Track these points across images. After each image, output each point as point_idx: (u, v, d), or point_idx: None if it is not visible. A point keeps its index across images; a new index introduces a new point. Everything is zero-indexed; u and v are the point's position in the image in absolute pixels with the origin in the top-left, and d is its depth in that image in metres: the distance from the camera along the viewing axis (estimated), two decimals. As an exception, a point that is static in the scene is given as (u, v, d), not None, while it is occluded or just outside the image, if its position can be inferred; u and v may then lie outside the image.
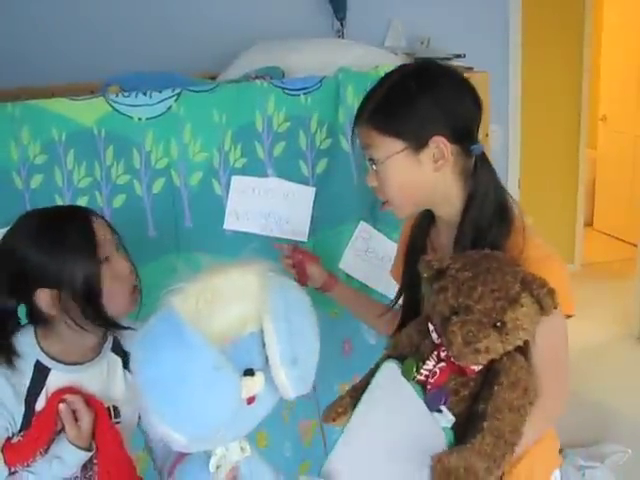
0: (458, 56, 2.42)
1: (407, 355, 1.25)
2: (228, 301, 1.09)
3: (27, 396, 1.35)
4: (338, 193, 2.04)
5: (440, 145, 1.30)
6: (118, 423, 1.43)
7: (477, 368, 1.16)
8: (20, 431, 1.34)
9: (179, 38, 2.67)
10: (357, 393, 1.25)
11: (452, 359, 1.16)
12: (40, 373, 1.38)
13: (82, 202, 1.92)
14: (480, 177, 1.33)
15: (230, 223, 1.96)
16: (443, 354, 1.18)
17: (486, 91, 2.04)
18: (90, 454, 1.35)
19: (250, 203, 1.97)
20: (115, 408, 1.44)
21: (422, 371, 1.20)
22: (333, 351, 2.12)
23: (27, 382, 1.36)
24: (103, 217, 1.49)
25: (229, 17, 2.70)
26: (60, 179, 1.92)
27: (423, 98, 1.31)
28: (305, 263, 1.78)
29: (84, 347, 1.43)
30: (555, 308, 1.14)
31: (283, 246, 1.86)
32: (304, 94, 2.00)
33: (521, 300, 1.12)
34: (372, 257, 2.06)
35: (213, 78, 2.24)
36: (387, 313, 1.64)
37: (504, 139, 3.72)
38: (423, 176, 1.33)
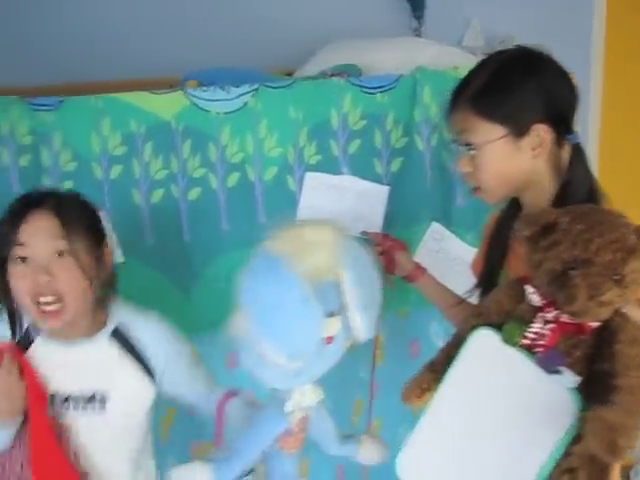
0: (538, 57, 2.37)
1: (495, 323, 1.21)
2: (313, 249, 1.18)
3: None
4: (411, 192, 2.02)
5: (541, 133, 1.30)
6: (102, 413, 1.47)
7: (594, 325, 1.13)
8: None
9: (257, 34, 2.68)
10: (440, 367, 1.24)
11: (566, 317, 1.12)
12: (26, 338, 1.47)
13: (158, 194, 1.97)
14: (576, 166, 1.33)
15: (303, 219, 1.97)
16: (550, 315, 1.14)
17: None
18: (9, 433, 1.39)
19: (323, 200, 1.97)
20: (102, 397, 1.47)
21: (528, 334, 1.15)
22: (401, 353, 2.10)
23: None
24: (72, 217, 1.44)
25: (307, 14, 2.70)
26: (137, 171, 1.97)
27: (527, 84, 1.30)
28: (394, 250, 1.78)
29: (73, 325, 1.46)
30: None
31: (372, 233, 1.87)
32: (381, 92, 1.99)
33: (638, 251, 1.09)
34: (443, 258, 2.03)
35: (290, 74, 2.25)
36: (462, 303, 1.63)
37: (584, 140, 3.61)
38: (520, 164, 1.33)
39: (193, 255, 1.98)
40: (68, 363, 1.47)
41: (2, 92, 2.01)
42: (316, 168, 1.98)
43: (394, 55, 2.19)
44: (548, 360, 1.12)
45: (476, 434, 1.16)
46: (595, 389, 1.09)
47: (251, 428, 1.33)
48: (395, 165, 2.02)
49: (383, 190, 1.99)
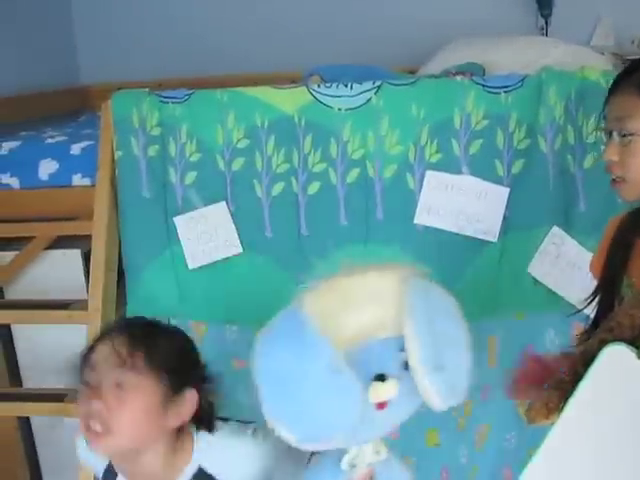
0: (672, 58, 2.27)
1: (629, 339, 1.11)
2: (361, 304, 1.06)
3: None
4: (532, 195, 1.97)
5: None
6: None
7: None
8: None
9: (380, 32, 2.69)
10: (568, 386, 1.14)
11: None
12: (110, 473, 1.42)
13: (278, 187, 2.01)
14: None
15: (421, 218, 1.96)
16: None
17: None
18: None
19: (442, 199, 1.95)
20: None
21: None
22: (513, 357, 2.06)
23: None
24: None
25: (431, 12, 2.69)
26: (260, 163, 2.02)
27: None
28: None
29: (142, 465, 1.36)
30: None
31: None
32: (505, 92, 1.95)
33: None
34: (563, 263, 1.98)
35: (413, 72, 2.25)
36: None
37: None
38: None
39: (310, 249, 2.01)
40: None
41: (134, 85, 2.10)
42: (436, 167, 1.97)
43: (519, 54, 2.16)
44: None
45: (610, 457, 1.08)
46: None
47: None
48: (516, 167, 1.98)
49: (503, 192, 1.96)
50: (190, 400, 1.35)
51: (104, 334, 1.37)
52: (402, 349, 1.05)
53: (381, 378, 1.05)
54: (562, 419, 1.11)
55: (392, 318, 1.06)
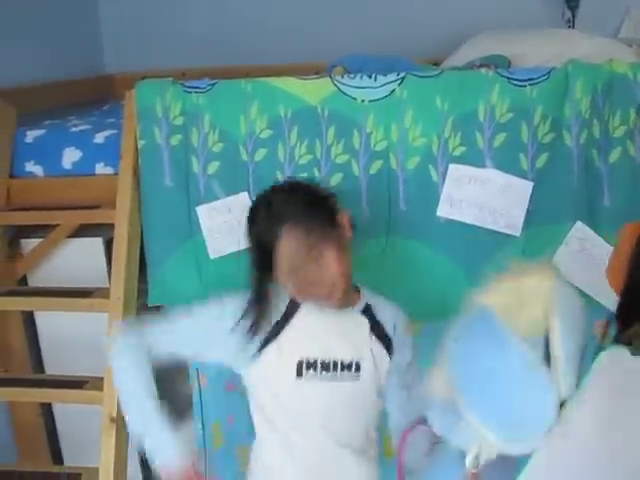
0: (701, 50, 2.24)
1: None
2: (528, 304, 1.09)
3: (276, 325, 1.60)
4: (556, 190, 1.95)
5: None
6: (357, 377, 1.61)
7: None
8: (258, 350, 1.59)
9: (404, 23, 2.68)
10: None
11: None
12: (293, 306, 1.61)
13: (302, 179, 2.00)
14: None
15: (444, 210, 1.95)
16: None
17: None
18: None
19: (466, 192, 1.94)
20: (357, 364, 1.61)
21: None
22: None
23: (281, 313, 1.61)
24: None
25: (456, 3, 2.67)
26: (282, 154, 2.01)
27: None
28: None
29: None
30: None
31: None
32: (530, 85, 1.93)
33: None
34: (586, 259, 1.96)
35: (437, 64, 2.24)
36: None
37: None
38: None
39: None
40: (329, 330, 1.62)
41: (158, 74, 2.11)
42: (460, 160, 1.95)
43: (545, 47, 2.14)
44: None
45: (616, 457, 1.05)
46: None
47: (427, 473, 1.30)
48: (541, 161, 1.96)
49: (527, 185, 1.94)
50: (346, 221, 1.58)
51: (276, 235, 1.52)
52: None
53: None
54: (561, 418, 1.09)
55: (548, 315, 1.10)
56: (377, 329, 1.65)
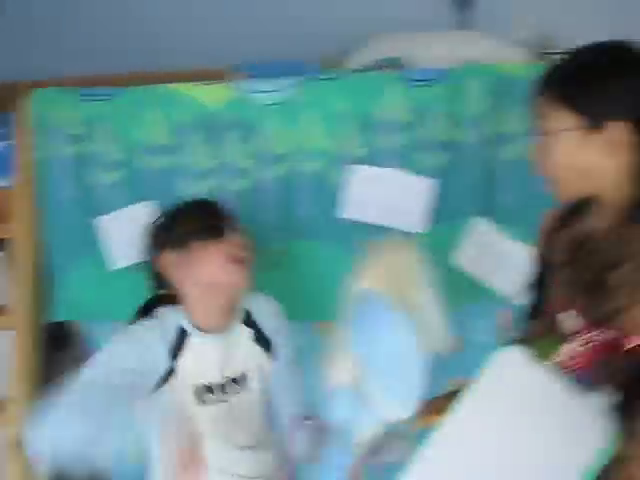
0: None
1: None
2: (398, 279, 1.17)
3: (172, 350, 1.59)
4: (456, 187, 2.00)
5: (617, 132, 1.20)
6: (246, 388, 1.67)
7: (633, 343, 1.01)
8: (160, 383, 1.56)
9: (304, 27, 2.68)
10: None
11: (609, 322, 1.02)
12: (182, 335, 1.60)
13: (205, 184, 1.99)
14: None
15: (346, 211, 1.97)
16: (588, 335, 1.05)
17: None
18: None
19: (368, 193, 1.96)
20: (244, 375, 1.67)
21: (563, 351, 1.08)
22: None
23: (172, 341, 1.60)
24: None
25: (354, 6, 2.69)
26: (185, 161, 1.99)
27: (615, 79, 1.21)
28: None
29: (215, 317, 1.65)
30: None
31: None
32: (428, 85, 1.97)
33: None
34: (488, 252, 2.01)
35: (337, 67, 2.25)
36: None
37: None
38: (591, 161, 1.23)
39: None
40: (220, 351, 1.64)
41: (55, 82, 2.05)
42: (361, 161, 1.97)
43: (442, 48, 2.18)
44: (583, 380, 1.04)
45: (499, 452, 1.07)
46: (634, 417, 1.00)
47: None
48: (440, 159, 2.00)
49: (427, 183, 1.98)
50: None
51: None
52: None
53: None
54: (450, 418, 1.12)
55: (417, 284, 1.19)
56: (259, 336, 1.70)
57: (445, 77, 1.98)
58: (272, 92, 1.95)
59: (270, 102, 1.95)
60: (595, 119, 1.20)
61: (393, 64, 2.06)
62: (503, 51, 2.20)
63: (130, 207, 2.01)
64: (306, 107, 1.95)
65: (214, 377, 1.62)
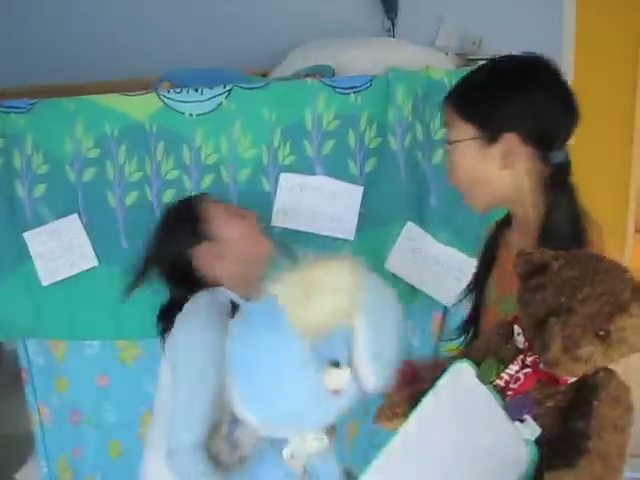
0: (510, 57, 2.38)
1: (482, 360, 1.13)
2: (325, 294, 1.07)
3: None
4: (386, 192, 2.02)
5: (510, 143, 1.26)
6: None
7: (570, 380, 1.04)
8: None
9: (230, 35, 2.68)
10: (418, 394, 1.14)
11: (542, 365, 1.03)
12: (235, 309, 1.57)
13: (132, 196, 1.97)
14: (554, 191, 1.26)
15: (278, 219, 1.98)
16: (530, 359, 1.05)
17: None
18: None
19: (298, 200, 1.97)
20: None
21: (503, 375, 1.07)
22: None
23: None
24: None
25: (280, 15, 2.70)
26: (111, 173, 1.97)
27: (508, 93, 1.26)
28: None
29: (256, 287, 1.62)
30: None
31: None
32: (354, 93, 1.99)
33: (631, 309, 0.98)
34: (418, 257, 2.04)
35: (264, 75, 2.25)
36: None
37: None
38: (490, 170, 1.29)
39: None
40: None
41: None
42: (290, 169, 1.98)
43: (367, 55, 2.20)
44: (515, 405, 1.04)
45: (436, 469, 1.09)
46: (564, 448, 1.00)
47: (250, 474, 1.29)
48: (369, 165, 2.02)
49: (357, 190, 1.99)
50: None
51: None
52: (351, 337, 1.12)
53: (336, 364, 1.11)
54: (402, 427, 1.12)
55: (347, 308, 1.10)
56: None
57: (371, 84, 2.00)
58: (199, 102, 1.94)
59: (197, 112, 1.94)
60: (490, 131, 1.26)
61: (322, 71, 2.07)
62: (427, 58, 2.23)
63: (58, 221, 1.97)
64: (234, 116, 1.95)
65: None
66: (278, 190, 1.98)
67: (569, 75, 3.63)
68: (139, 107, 1.95)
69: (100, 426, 2.15)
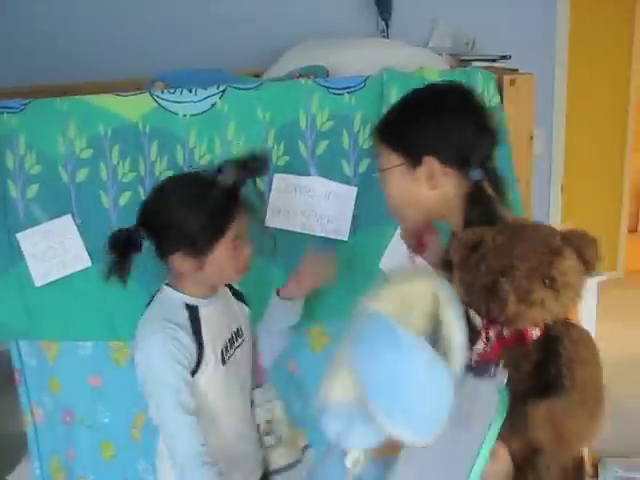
0: (504, 57, 2.40)
1: None
2: (414, 306, 1.17)
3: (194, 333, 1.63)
4: (380, 193, 1.99)
5: (432, 166, 1.39)
6: (243, 337, 1.79)
7: (535, 333, 1.15)
8: (197, 364, 1.61)
9: (224, 35, 2.69)
10: None
11: (505, 330, 1.15)
12: (192, 311, 1.65)
13: (125, 196, 1.96)
14: (473, 203, 1.37)
15: (271, 220, 1.97)
16: (492, 333, 1.18)
17: (531, 93, 2.01)
18: None
19: (291, 201, 1.97)
20: (239, 329, 1.78)
21: (473, 356, 1.18)
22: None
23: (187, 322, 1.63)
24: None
25: (274, 15, 2.71)
26: (105, 173, 1.96)
27: (423, 121, 1.41)
28: (426, 233, 1.76)
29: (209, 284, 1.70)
30: (599, 261, 1.14)
31: None
32: (348, 93, 1.99)
33: (564, 253, 1.11)
34: (412, 259, 2.04)
35: (258, 76, 2.25)
36: None
37: (548, 142, 3.67)
38: (419, 192, 1.43)
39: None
40: (221, 310, 1.74)
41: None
42: (284, 169, 1.98)
43: (362, 56, 2.20)
44: (480, 369, 1.16)
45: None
46: (546, 394, 1.10)
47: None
48: (363, 166, 2.02)
49: (351, 191, 2.00)
50: None
51: None
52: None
53: None
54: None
55: (431, 315, 1.18)
56: (233, 290, 1.84)
57: (365, 85, 2.00)
58: (192, 102, 1.93)
59: (191, 113, 1.93)
60: (413, 157, 1.41)
61: (316, 72, 2.07)
62: (421, 58, 2.24)
63: (51, 221, 1.96)
64: (228, 117, 1.94)
65: (226, 335, 1.71)
66: (272, 191, 1.97)
67: (563, 75, 3.65)
68: (132, 107, 1.94)
69: (93, 427, 2.15)
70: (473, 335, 1.20)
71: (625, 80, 4.74)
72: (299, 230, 1.98)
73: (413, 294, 1.18)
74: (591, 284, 2.42)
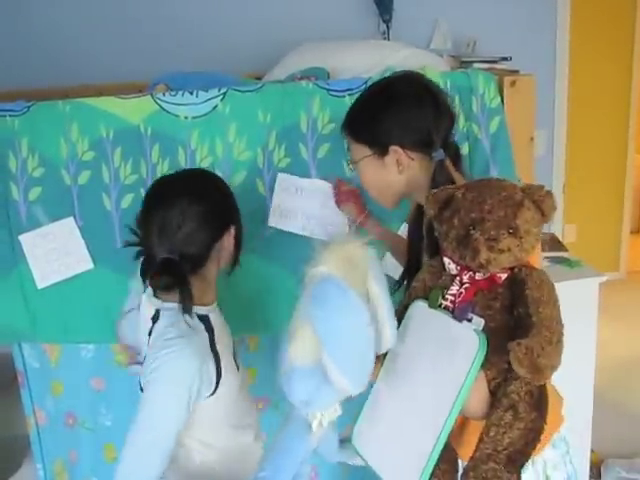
0: (504, 59, 2.40)
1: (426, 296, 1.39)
2: (354, 269, 1.28)
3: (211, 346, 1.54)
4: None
5: (397, 152, 1.51)
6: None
7: (503, 276, 1.29)
8: (216, 384, 1.52)
9: (226, 38, 2.69)
10: None
11: (478, 274, 1.29)
12: (205, 322, 1.57)
13: (128, 199, 1.97)
14: (437, 179, 1.48)
15: (273, 221, 1.97)
16: (466, 277, 1.31)
17: (532, 94, 2.01)
18: None
19: (293, 202, 1.97)
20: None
21: (448, 297, 1.33)
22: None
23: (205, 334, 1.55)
24: None
25: (275, 18, 2.71)
26: (107, 176, 1.96)
27: (384, 112, 1.51)
28: (344, 199, 1.94)
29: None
30: (554, 211, 1.30)
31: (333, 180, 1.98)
32: (349, 95, 1.98)
33: (525, 204, 1.26)
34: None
35: (259, 78, 2.25)
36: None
37: (549, 143, 3.67)
38: (390, 176, 1.55)
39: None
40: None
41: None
42: (285, 171, 1.97)
43: (362, 58, 2.20)
44: (460, 311, 1.29)
45: (409, 384, 1.33)
46: (518, 332, 1.23)
47: (280, 452, 1.42)
48: (364, 168, 2.02)
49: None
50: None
51: None
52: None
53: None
54: (382, 369, 1.38)
55: (366, 277, 1.30)
56: None
57: (366, 86, 1.99)
58: (194, 105, 1.94)
59: (192, 115, 1.94)
60: (379, 146, 1.53)
61: (317, 74, 2.07)
62: (422, 60, 2.24)
63: (53, 224, 1.97)
64: (229, 119, 1.94)
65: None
66: (275, 190, 1.97)
67: (564, 76, 3.65)
68: (134, 110, 1.95)
69: (95, 430, 2.16)
70: (448, 280, 1.35)
71: (627, 81, 4.74)
72: (299, 232, 1.98)
73: (356, 257, 1.29)
74: (593, 285, 2.41)
